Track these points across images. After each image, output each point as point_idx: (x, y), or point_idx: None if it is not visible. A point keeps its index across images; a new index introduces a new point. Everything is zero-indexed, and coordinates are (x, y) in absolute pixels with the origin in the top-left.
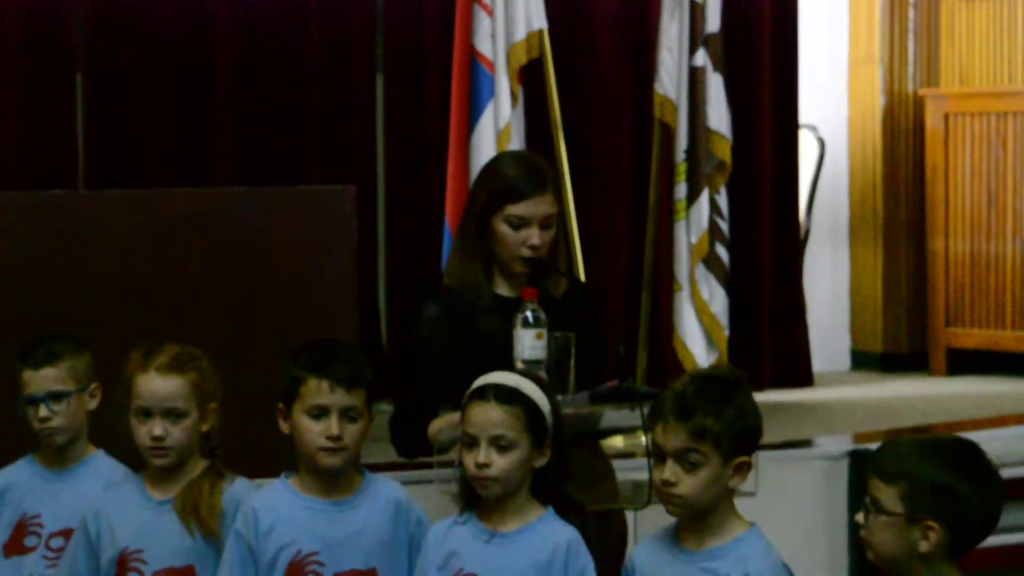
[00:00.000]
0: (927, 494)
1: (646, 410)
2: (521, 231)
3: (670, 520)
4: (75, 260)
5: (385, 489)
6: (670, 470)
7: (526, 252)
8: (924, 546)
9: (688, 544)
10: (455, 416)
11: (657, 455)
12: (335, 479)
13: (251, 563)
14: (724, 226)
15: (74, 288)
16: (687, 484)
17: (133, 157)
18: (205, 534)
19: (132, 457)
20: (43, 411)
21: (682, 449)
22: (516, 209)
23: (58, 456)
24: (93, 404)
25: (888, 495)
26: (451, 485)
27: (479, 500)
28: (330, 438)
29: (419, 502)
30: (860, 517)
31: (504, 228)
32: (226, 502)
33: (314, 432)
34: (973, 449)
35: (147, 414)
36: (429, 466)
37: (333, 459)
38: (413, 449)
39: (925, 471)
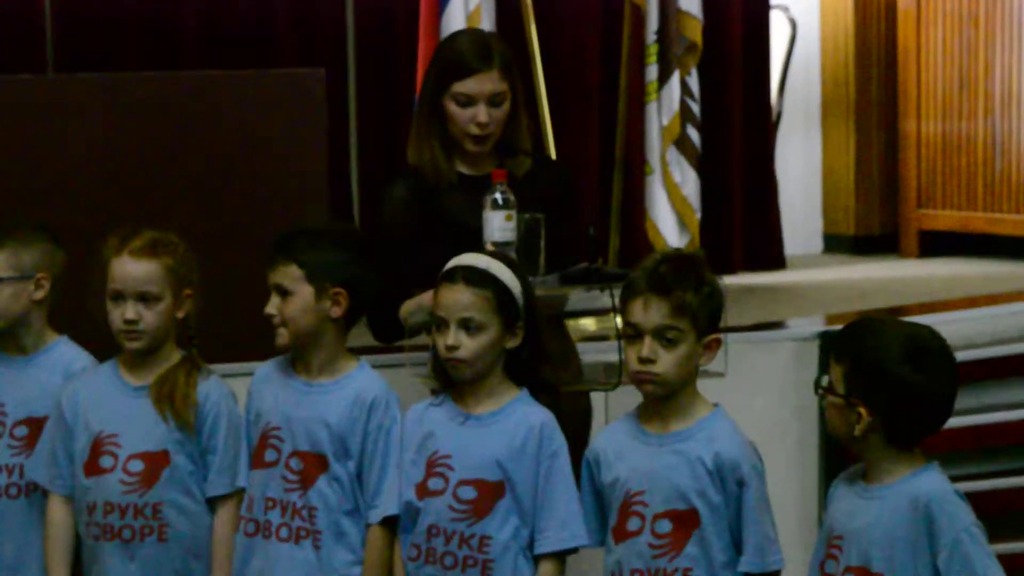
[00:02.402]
0: (863, 377)
1: (617, 292)
2: (467, 108)
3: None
4: (44, 144)
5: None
6: (648, 347)
7: (474, 130)
8: (856, 429)
9: (653, 428)
10: (424, 298)
11: (630, 335)
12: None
13: None
14: (695, 108)
15: (43, 173)
16: (665, 361)
17: (102, 41)
18: (179, 423)
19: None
20: None
21: (662, 326)
22: (462, 87)
23: (15, 344)
24: (39, 295)
25: (836, 375)
26: (423, 368)
27: (453, 382)
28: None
29: (393, 387)
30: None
31: (452, 106)
32: (201, 394)
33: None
34: (927, 335)
35: (120, 297)
36: (401, 349)
37: None
38: (389, 333)
39: (865, 354)
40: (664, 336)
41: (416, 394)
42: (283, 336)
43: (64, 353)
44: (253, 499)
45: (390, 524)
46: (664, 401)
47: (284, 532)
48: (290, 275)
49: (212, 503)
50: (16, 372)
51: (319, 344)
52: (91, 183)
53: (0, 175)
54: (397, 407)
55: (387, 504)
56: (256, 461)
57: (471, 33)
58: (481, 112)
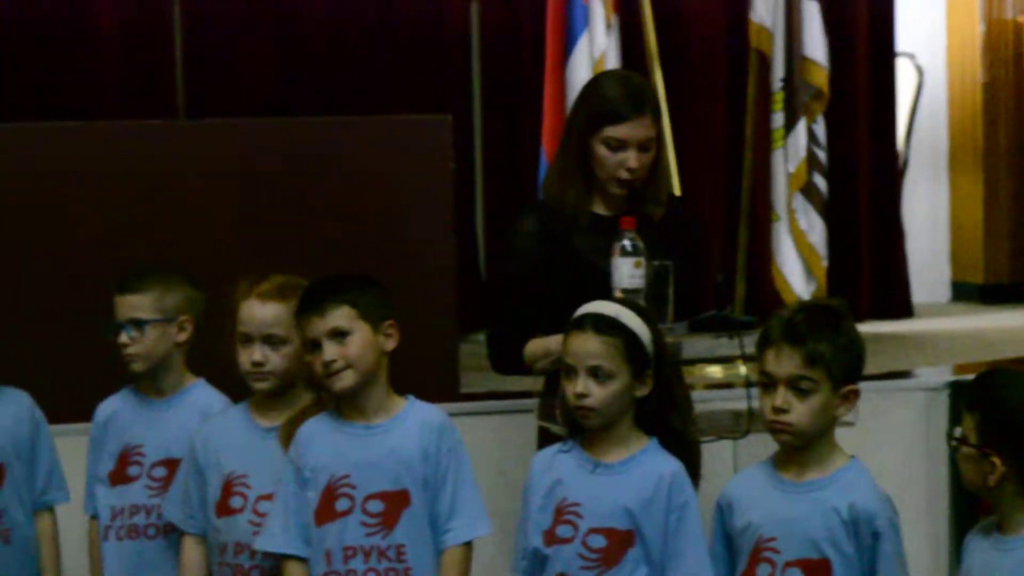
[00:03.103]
0: (996, 427)
1: (746, 340)
2: (619, 153)
3: (769, 451)
4: (174, 189)
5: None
6: (782, 397)
7: (623, 175)
8: (990, 479)
9: (788, 475)
10: (551, 343)
11: (765, 383)
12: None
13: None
14: (822, 155)
15: (173, 217)
16: (798, 411)
17: (231, 87)
18: None
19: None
20: (121, 337)
21: (795, 376)
22: (614, 131)
23: (155, 386)
24: (182, 337)
25: (968, 426)
26: (551, 419)
27: (582, 429)
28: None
29: (513, 432)
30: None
31: (602, 150)
32: (292, 445)
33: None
34: None
35: (248, 339)
36: (527, 396)
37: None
38: (509, 366)
39: (999, 404)
40: (797, 386)
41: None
42: (348, 379)
43: (201, 395)
44: (331, 552)
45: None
46: (800, 450)
47: None
48: (345, 316)
49: None
50: (155, 414)
51: (376, 382)
52: (220, 227)
53: (132, 219)
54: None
55: (467, 526)
56: (326, 515)
57: (622, 77)
58: (632, 158)
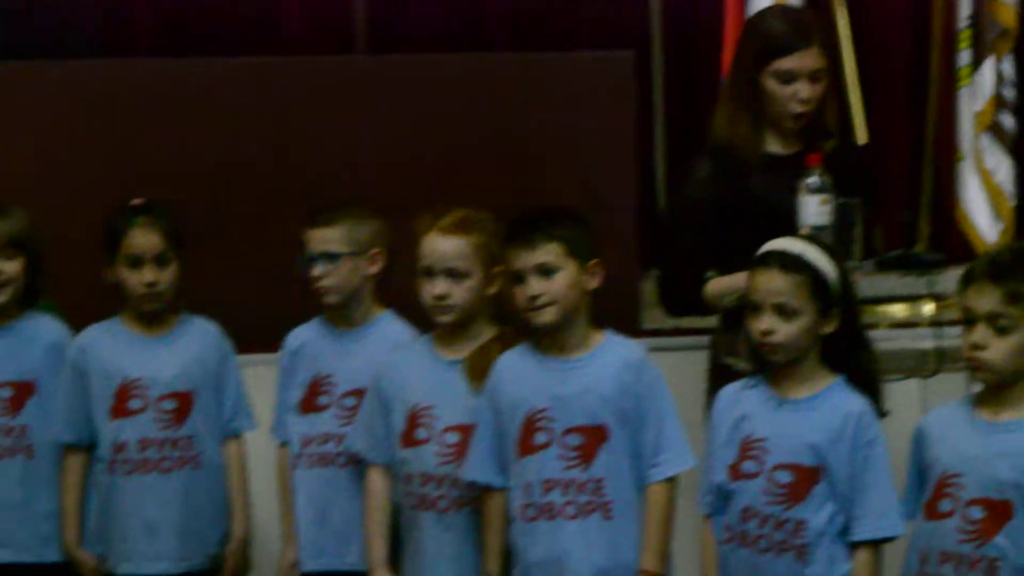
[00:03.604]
0: None
1: (935, 278)
2: (789, 86)
3: (961, 391)
4: (355, 125)
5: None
6: (980, 333)
7: (796, 107)
8: None
9: (984, 414)
10: (736, 280)
11: (966, 321)
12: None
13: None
14: (1009, 94)
15: (355, 153)
16: (996, 349)
17: (412, 22)
18: None
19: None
20: (315, 270)
21: (993, 313)
22: (783, 63)
23: (345, 316)
24: (373, 270)
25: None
26: (735, 355)
27: (768, 365)
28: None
29: (689, 368)
30: None
31: (772, 84)
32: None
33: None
34: None
35: (431, 273)
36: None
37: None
38: (683, 307)
39: None
40: (996, 323)
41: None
42: (550, 315)
43: (390, 327)
44: (530, 485)
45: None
46: (999, 389)
47: (571, 510)
48: (554, 252)
49: None
50: (345, 345)
51: (577, 318)
52: (400, 162)
53: (315, 155)
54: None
55: (672, 460)
56: (525, 447)
57: (786, 10)
58: (803, 89)
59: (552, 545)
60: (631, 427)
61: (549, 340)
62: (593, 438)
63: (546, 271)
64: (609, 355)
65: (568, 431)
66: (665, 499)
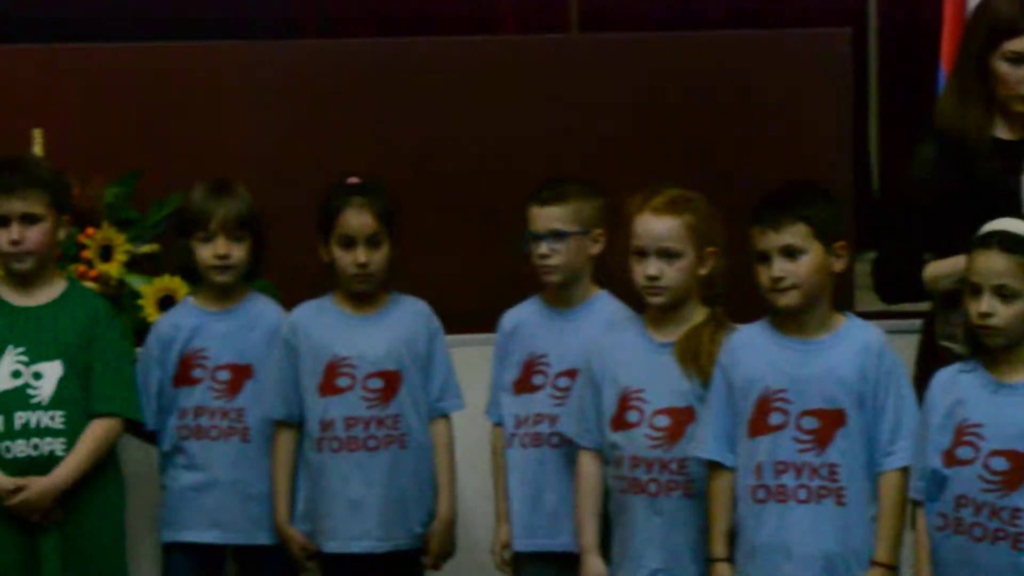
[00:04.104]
0: None
1: None
2: (1020, 68)
3: None
4: (569, 105)
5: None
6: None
7: None
8: None
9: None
10: (956, 263)
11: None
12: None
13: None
14: None
15: (568, 134)
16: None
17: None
18: (703, 380)
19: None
20: (541, 248)
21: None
22: (1014, 44)
23: (563, 296)
24: (596, 249)
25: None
26: (951, 339)
27: (985, 349)
28: None
29: (899, 352)
30: None
31: (1003, 66)
32: (724, 351)
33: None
34: None
35: (643, 253)
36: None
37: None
38: (899, 293)
39: None
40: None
41: None
42: (793, 297)
43: (606, 307)
44: (762, 465)
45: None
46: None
47: (803, 494)
48: (800, 234)
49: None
50: (561, 324)
51: (820, 300)
52: (612, 142)
53: (526, 135)
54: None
55: (908, 450)
56: (758, 427)
57: None
58: None
59: (780, 528)
60: (868, 413)
61: (789, 321)
62: (830, 422)
63: (791, 253)
64: (850, 338)
65: (804, 413)
66: (899, 488)
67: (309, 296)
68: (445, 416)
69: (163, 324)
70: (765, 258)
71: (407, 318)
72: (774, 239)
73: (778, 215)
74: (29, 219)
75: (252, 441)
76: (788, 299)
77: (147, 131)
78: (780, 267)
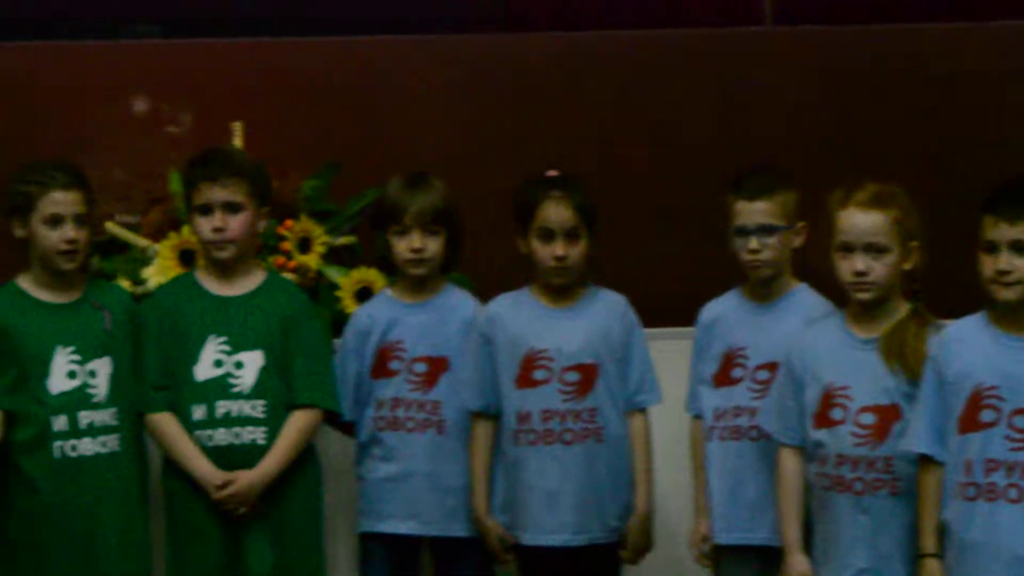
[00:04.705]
0: None
1: None
2: None
3: None
4: (760, 98)
5: None
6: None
7: None
8: None
9: None
10: None
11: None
12: None
13: None
14: None
15: (762, 126)
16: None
17: None
18: (909, 376)
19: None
20: (752, 243)
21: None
22: None
23: (763, 290)
24: (798, 242)
25: None
26: None
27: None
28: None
29: None
30: None
31: None
32: (930, 346)
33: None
34: None
35: (848, 249)
36: None
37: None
38: None
39: None
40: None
41: None
42: (1016, 292)
43: (805, 300)
44: (971, 463)
45: None
46: None
47: (1013, 493)
48: None
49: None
50: (760, 318)
51: None
52: (807, 135)
53: (719, 127)
54: None
55: None
56: (969, 424)
57: None
58: None
59: (989, 528)
60: None
61: (1007, 316)
62: None
63: (1022, 248)
64: None
65: (1017, 412)
66: None
67: (503, 288)
68: (642, 410)
69: (360, 316)
70: (993, 248)
71: (604, 311)
72: (1007, 232)
73: (1017, 208)
74: (231, 208)
75: (448, 433)
76: (1010, 293)
77: (344, 124)
78: (1008, 260)
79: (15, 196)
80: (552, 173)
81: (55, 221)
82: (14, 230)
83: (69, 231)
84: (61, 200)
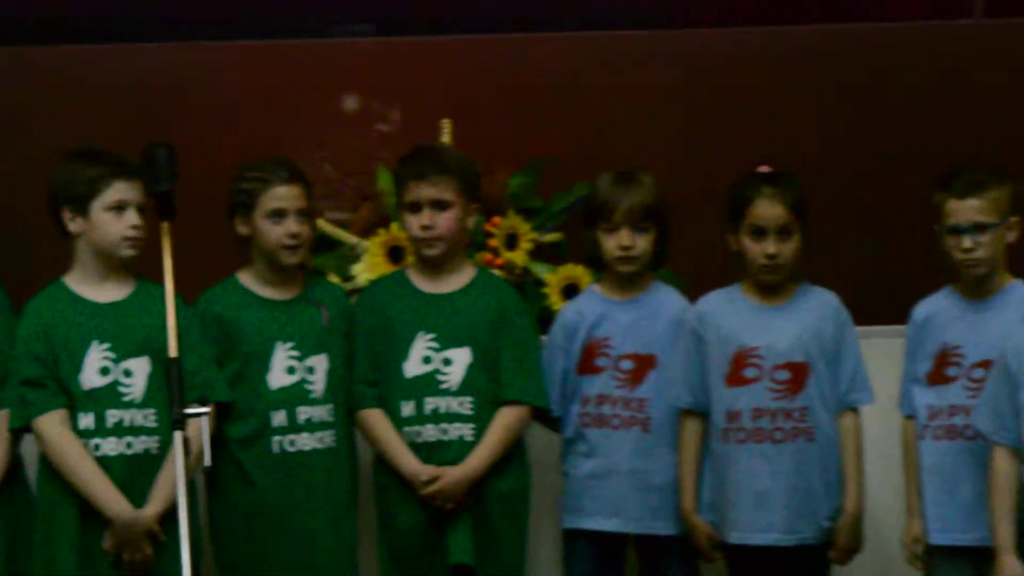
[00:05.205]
0: None
1: None
2: None
3: None
4: (973, 92)
5: None
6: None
7: None
8: None
9: None
10: None
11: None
12: None
13: None
14: None
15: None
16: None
17: None
18: None
19: None
20: (966, 242)
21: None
22: None
23: (977, 287)
24: (1011, 237)
25: None
26: None
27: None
28: None
29: None
30: None
31: None
32: None
33: None
34: None
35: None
36: None
37: None
38: None
39: None
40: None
41: None
42: None
43: (1020, 295)
44: None
45: None
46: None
47: None
48: None
49: None
50: (974, 315)
51: None
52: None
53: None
54: None
55: None
56: None
57: None
58: None
59: None
60: None
61: None
62: None
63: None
64: None
65: None
66: None
67: (710, 286)
68: (854, 409)
69: (568, 312)
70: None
71: (816, 309)
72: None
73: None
74: (439, 205)
75: (653, 431)
76: None
77: (551, 121)
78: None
79: (237, 194)
80: (764, 169)
81: (278, 216)
82: (237, 227)
83: (292, 225)
84: (283, 195)
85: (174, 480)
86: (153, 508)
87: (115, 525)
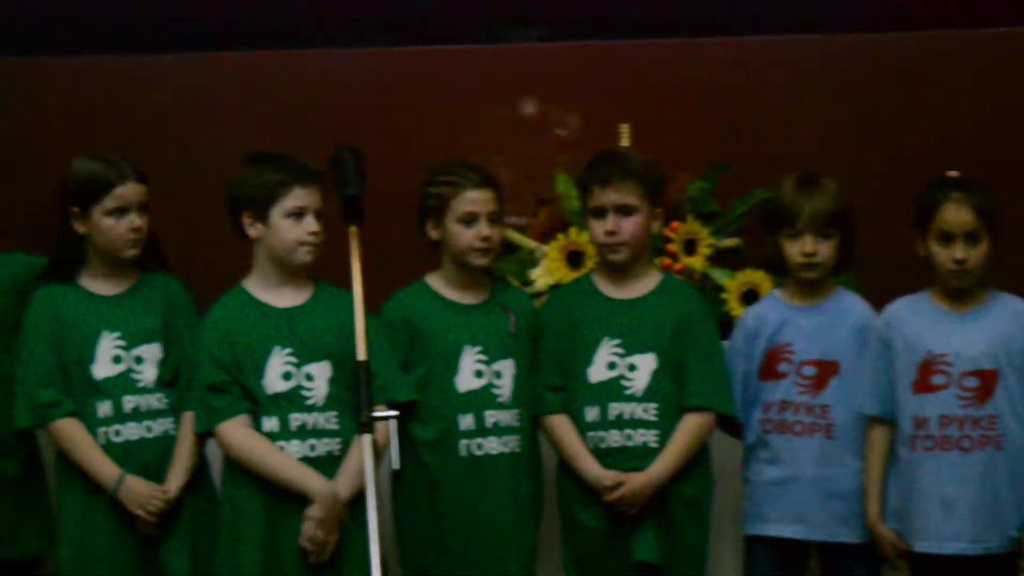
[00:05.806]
0: None
1: None
2: None
3: None
4: None
5: None
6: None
7: None
8: None
9: None
10: None
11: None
12: None
13: None
14: None
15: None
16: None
17: None
18: None
19: None
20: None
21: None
22: None
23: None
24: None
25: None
26: None
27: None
28: None
29: None
30: None
31: None
32: None
33: None
34: None
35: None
36: None
37: None
38: None
39: None
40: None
41: None
42: None
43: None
44: None
45: None
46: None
47: None
48: None
49: None
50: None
51: None
52: None
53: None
54: None
55: None
56: None
57: None
58: None
59: None
60: None
61: None
62: None
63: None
64: None
65: None
66: None
67: (891, 292)
68: None
69: (749, 316)
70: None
71: (1005, 316)
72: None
73: None
74: (623, 210)
75: (836, 438)
76: None
77: (728, 125)
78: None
79: (428, 198)
80: (952, 174)
81: (470, 220)
82: (428, 232)
83: (483, 229)
84: (476, 199)
85: (353, 474)
86: (343, 494)
87: (317, 502)
